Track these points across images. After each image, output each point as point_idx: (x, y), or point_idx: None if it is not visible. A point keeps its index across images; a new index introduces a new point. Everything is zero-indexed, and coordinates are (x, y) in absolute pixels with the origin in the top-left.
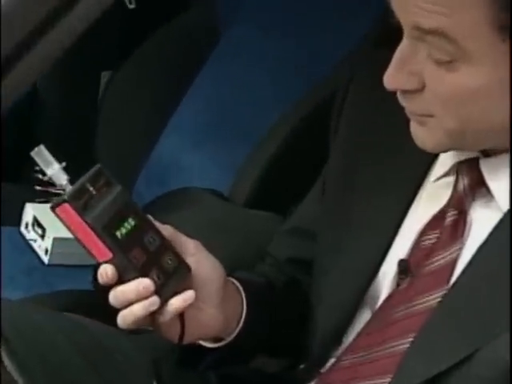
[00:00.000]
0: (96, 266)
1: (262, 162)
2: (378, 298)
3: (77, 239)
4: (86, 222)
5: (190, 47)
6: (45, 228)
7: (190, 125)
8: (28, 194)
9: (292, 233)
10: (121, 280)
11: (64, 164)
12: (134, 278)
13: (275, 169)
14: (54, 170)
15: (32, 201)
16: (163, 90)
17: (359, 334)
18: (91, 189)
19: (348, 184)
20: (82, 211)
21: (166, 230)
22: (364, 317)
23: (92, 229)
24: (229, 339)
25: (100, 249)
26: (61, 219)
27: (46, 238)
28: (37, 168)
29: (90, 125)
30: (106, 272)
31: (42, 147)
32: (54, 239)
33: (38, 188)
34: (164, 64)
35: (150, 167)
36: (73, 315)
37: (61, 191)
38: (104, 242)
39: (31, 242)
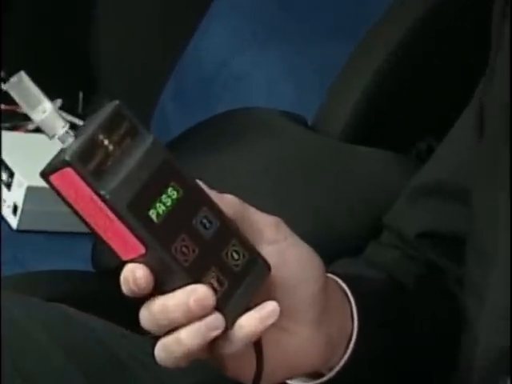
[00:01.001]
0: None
1: (368, 74)
2: None
3: (86, 224)
4: (101, 198)
5: None
6: (12, 171)
7: (249, 5)
8: None
9: (426, 192)
10: (159, 289)
11: (60, 102)
12: (180, 286)
13: (389, 85)
14: (46, 114)
15: None
16: None
17: None
18: (106, 142)
19: None
20: (93, 180)
21: (228, 202)
22: None
23: (111, 208)
24: (331, 374)
25: (125, 240)
26: (59, 193)
27: (14, 186)
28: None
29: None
30: (135, 276)
31: (22, 75)
32: (28, 189)
33: (2, 107)
34: None
35: (182, 75)
36: (61, 306)
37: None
38: (131, 228)
39: None
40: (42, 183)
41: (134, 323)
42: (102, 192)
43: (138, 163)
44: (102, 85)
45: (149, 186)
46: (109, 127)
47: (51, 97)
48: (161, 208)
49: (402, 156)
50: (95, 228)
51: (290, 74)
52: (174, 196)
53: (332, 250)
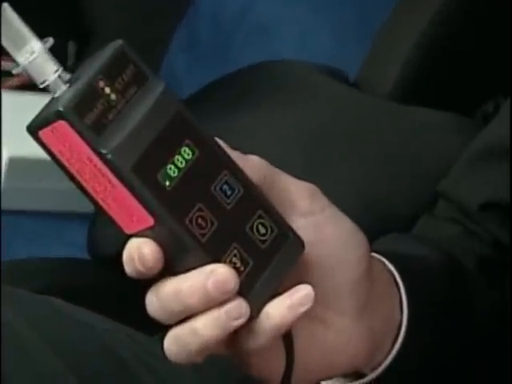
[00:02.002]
0: (95, 215)
1: (421, 23)
2: None
3: (83, 191)
4: (101, 158)
5: None
6: None
7: None
8: None
9: (490, 155)
10: (170, 269)
11: (51, 41)
12: (196, 266)
13: (447, 34)
14: (34, 55)
15: None
16: None
17: None
18: (108, 90)
19: None
20: (92, 136)
21: (254, 165)
22: None
23: (112, 170)
24: (374, 375)
25: (129, 209)
26: (50, 152)
27: None
28: None
29: None
30: (141, 252)
31: (6, 7)
32: (11, 161)
33: None
34: None
35: (195, 22)
36: (51, 298)
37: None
38: (137, 195)
39: None
40: (27, 153)
41: (138, 319)
42: (103, 150)
43: (146, 116)
44: (97, 32)
45: (159, 144)
46: (110, 72)
47: None
48: (173, 171)
49: (465, 119)
50: (94, 195)
51: (326, 21)
52: (189, 157)
53: (379, 231)
